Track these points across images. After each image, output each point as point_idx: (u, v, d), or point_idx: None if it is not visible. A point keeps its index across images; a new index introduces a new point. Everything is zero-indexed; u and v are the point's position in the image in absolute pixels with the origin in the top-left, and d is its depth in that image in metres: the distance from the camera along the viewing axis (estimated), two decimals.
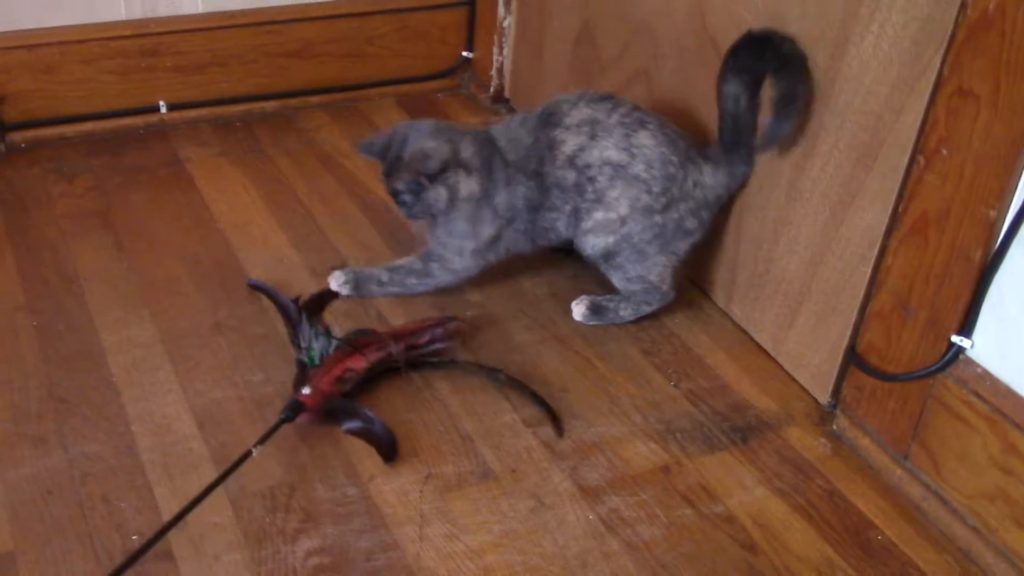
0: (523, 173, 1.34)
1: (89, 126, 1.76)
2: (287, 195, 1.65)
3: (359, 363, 1.25)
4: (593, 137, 1.32)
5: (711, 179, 1.34)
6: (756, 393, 1.33)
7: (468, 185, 1.32)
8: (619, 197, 1.32)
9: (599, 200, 1.33)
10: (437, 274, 1.40)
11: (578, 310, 1.42)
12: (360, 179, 1.71)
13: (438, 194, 1.31)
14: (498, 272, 1.44)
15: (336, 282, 1.40)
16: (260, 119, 1.86)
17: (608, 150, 1.31)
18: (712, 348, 1.41)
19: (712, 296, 1.50)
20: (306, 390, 1.20)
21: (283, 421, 1.17)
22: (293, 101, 1.90)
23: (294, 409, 1.18)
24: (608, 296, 1.43)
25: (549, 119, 1.34)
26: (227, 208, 1.61)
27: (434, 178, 1.30)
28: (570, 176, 1.33)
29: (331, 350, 1.25)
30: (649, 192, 1.32)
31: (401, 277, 1.41)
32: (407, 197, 1.32)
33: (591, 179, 1.33)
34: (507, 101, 1.97)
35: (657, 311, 1.44)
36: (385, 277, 1.41)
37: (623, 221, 1.34)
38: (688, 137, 1.36)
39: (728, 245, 1.44)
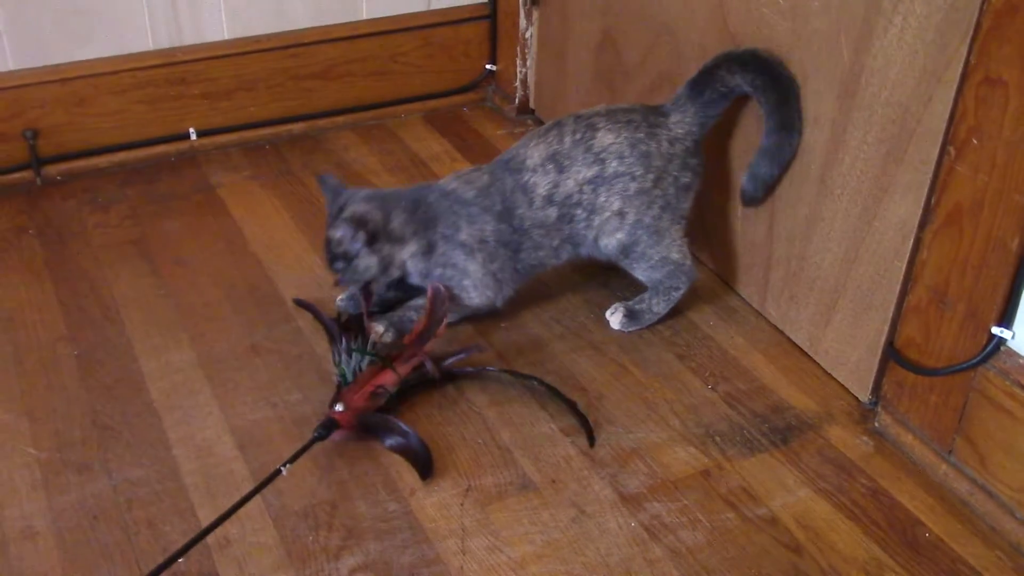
0: (486, 211, 1.33)
1: (122, 156, 1.78)
2: (318, 216, 1.66)
3: (391, 378, 1.25)
4: (561, 170, 1.33)
5: (683, 127, 1.35)
6: (795, 393, 1.32)
7: (406, 252, 1.32)
8: (608, 198, 1.33)
9: (592, 211, 1.34)
10: (464, 303, 1.38)
11: (615, 319, 1.42)
12: None
13: (368, 262, 1.30)
14: (529, 281, 1.44)
15: (380, 328, 1.38)
16: (289, 141, 1.87)
17: (580, 172, 1.32)
18: (748, 349, 1.40)
19: (746, 297, 1.49)
20: (339, 407, 1.20)
21: (315, 439, 1.18)
22: (320, 122, 1.91)
23: (327, 427, 1.19)
24: (638, 297, 1.43)
25: (508, 165, 1.35)
26: (260, 231, 1.62)
27: (369, 243, 1.29)
28: (552, 213, 1.34)
29: (363, 367, 1.26)
30: (634, 178, 1.33)
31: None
32: (339, 264, 1.31)
33: (576, 203, 1.33)
34: (532, 112, 1.97)
35: (691, 315, 1.44)
36: (415, 315, 1.39)
37: (622, 214, 1.34)
38: (639, 106, 1.37)
39: (760, 244, 1.43)
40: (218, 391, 1.29)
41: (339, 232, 1.29)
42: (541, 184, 1.33)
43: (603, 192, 1.33)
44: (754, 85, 1.32)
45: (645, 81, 1.59)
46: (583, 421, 1.25)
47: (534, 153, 1.34)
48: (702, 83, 1.35)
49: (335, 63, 1.88)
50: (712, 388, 1.33)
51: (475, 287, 1.35)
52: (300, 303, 1.43)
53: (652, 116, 1.36)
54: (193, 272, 1.52)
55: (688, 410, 1.29)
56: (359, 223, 1.28)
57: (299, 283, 1.50)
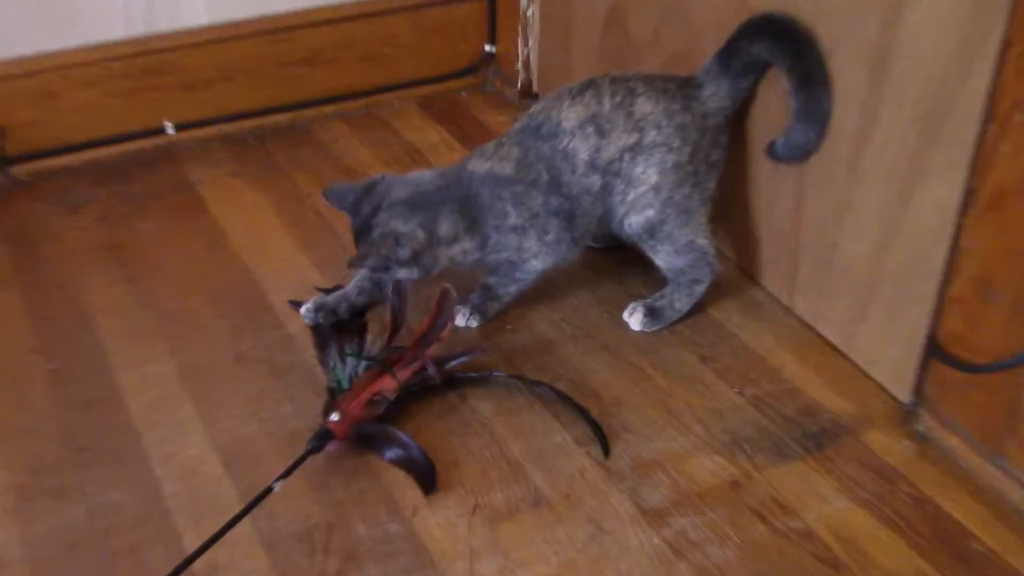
0: (532, 186, 1.34)
1: (94, 153, 1.77)
2: (307, 213, 1.65)
3: (390, 384, 1.24)
4: (602, 134, 1.33)
5: (716, 101, 1.36)
6: (829, 394, 1.32)
7: (456, 249, 1.33)
8: (645, 170, 1.34)
9: (629, 184, 1.35)
10: (530, 270, 1.39)
11: (635, 319, 1.41)
12: None
13: (410, 272, 1.32)
14: (541, 280, 1.43)
15: (463, 318, 1.40)
16: (273, 134, 1.87)
17: (621, 139, 1.33)
18: (776, 348, 1.39)
19: (772, 290, 1.48)
20: (334, 417, 1.20)
21: (309, 452, 1.17)
22: (307, 112, 1.90)
23: (321, 438, 1.18)
24: (658, 293, 1.42)
25: (539, 131, 1.35)
26: (243, 231, 1.61)
27: (404, 263, 1.31)
28: (596, 180, 1.34)
29: (360, 371, 1.25)
30: (671, 150, 1.33)
31: (504, 287, 1.41)
32: (372, 261, 1.32)
33: (616, 172, 1.34)
34: (536, 96, 1.96)
35: (713, 312, 1.43)
36: (500, 290, 1.41)
37: (657, 189, 1.34)
38: (673, 75, 1.38)
39: (787, 232, 1.42)
40: (202, 406, 1.29)
41: (368, 262, 1.30)
42: (582, 149, 1.33)
43: (640, 162, 1.33)
44: (770, 49, 1.32)
45: (657, 61, 1.58)
46: (598, 430, 1.25)
47: (570, 115, 1.34)
48: (730, 55, 1.35)
49: (322, 48, 1.87)
50: (738, 391, 1.32)
51: (535, 256, 1.37)
52: (295, 305, 1.42)
53: (687, 87, 1.36)
54: (172, 277, 1.52)
55: (713, 415, 1.28)
56: (388, 255, 1.29)
57: (287, 286, 1.48)
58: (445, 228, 1.32)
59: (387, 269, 1.32)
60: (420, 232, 1.31)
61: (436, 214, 1.32)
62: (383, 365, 1.25)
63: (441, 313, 1.30)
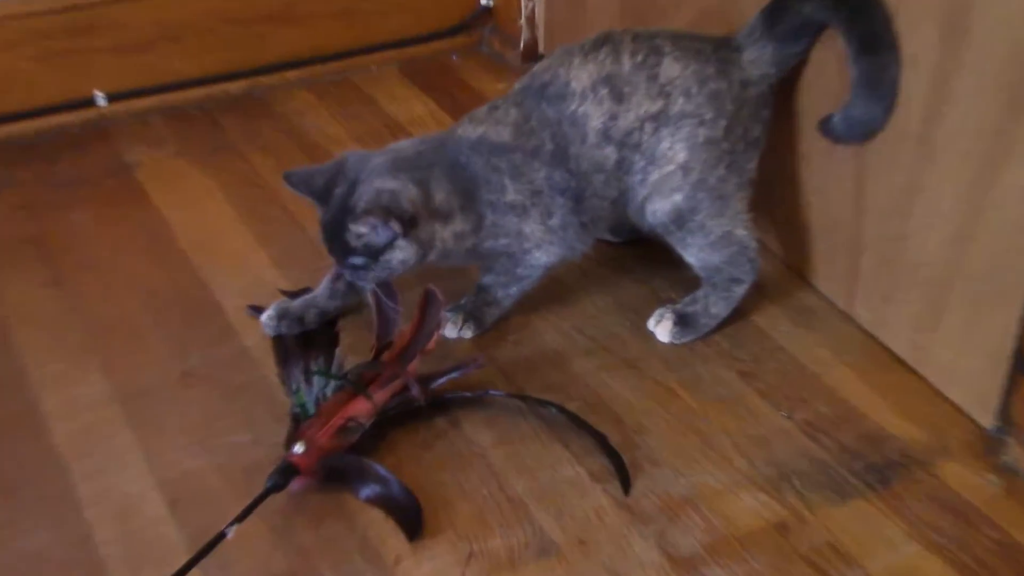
0: (533, 155, 1.34)
1: (11, 129, 1.78)
2: (267, 202, 1.66)
3: (365, 408, 1.25)
4: (620, 99, 1.33)
5: (758, 68, 1.37)
6: (896, 419, 1.32)
7: (450, 230, 1.33)
8: (672, 145, 1.34)
9: (652, 161, 1.35)
10: (532, 264, 1.40)
11: (663, 328, 1.42)
12: None
13: (406, 254, 1.30)
14: (545, 280, 1.44)
15: (454, 328, 1.41)
16: (226, 105, 1.87)
17: (643, 105, 1.33)
18: (832, 363, 1.39)
19: (827, 293, 1.49)
20: (298, 448, 1.19)
21: (270, 490, 1.17)
22: (267, 79, 1.91)
23: (283, 474, 1.18)
24: (690, 297, 1.43)
25: (543, 91, 1.35)
26: (191, 223, 1.62)
27: (406, 231, 1.29)
28: (610, 153, 1.35)
29: (329, 393, 1.25)
30: (703, 122, 1.34)
31: (503, 287, 1.42)
32: (358, 260, 1.30)
33: (636, 145, 1.34)
34: (543, 59, 1.95)
35: (756, 319, 1.43)
36: (499, 292, 1.42)
37: (686, 169, 1.35)
38: (707, 35, 1.39)
39: (845, 223, 1.42)
40: (141, 433, 1.29)
41: (362, 226, 1.27)
42: (594, 115, 1.34)
43: (666, 136, 1.34)
44: (825, 7, 1.32)
45: (683, 19, 1.59)
46: (617, 462, 1.25)
47: (581, 75, 1.34)
48: (776, 14, 1.36)
49: (286, 3, 1.88)
50: (787, 415, 1.32)
51: (538, 247, 1.38)
52: (253, 311, 1.42)
53: (723, 50, 1.37)
54: (106, 278, 1.52)
55: (756, 445, 1.28)
56: (389, 207, 1.27)
57: (243, 289, 1.49)
58: (440, 197, 1.31)
59: (380, 254, 1.29)
60: (414, 189, 1.30)
61: (427, 177, 1.31)
62: (357, 385, 1.25)
63: (426, 320, 1.30)
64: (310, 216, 1.59)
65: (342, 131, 1.81)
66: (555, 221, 1.37)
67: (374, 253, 1.29)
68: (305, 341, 1.35)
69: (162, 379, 1.36)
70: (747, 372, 1.38)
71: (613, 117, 1.34)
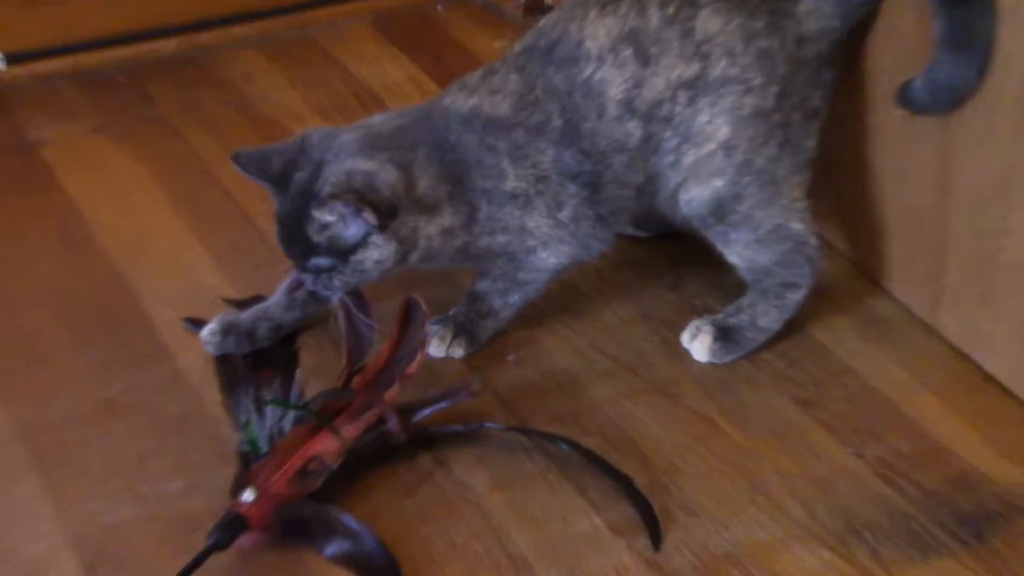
0: (537, 133, 1.35)
1: None
2: (206, 187, 1.66)
3: (331, 445, 1.24)
4: (645, 61, 1.33)
5: (817, 21, 1.36)
6: (992, 456, 1.31)
7: (436, 225, 1.33)
8: (712, 119, 1.34)
9: (685, 139, 1.35)
10: (539, 267, 1.40)
11: (701, 344, 1.42)
12: None
13: (382, 254, 1.30)
14: (553, 286, 1.44)
15: (441, 345, 1.42)
16: (156, 69, 1.88)
17: (675, 68, 1.33)
18: (912, 386, 1.39)
19: (905, 301, 1.49)
20: (247, 495, 1.18)
21: (211, 549, 1.16)
22: (206, 36, 1.92)
23: (229, 527, 1.17)
24: (733, 306, 1.43)
25: (551, 53, 1.36)
26: (113, 215, 1.62)
27: (383, 222, 1.29)
28: (634, 130, 1.35)
29: (287, 427, 1.25)
30: (750, 89, 1.34)
31: (502, 295, 1.43)
32: (323, 261, 1.30)
33: (667, 119, 1.34)
34: (550, 11, 1.96)
35: (816, 332, 1.44)
36: (496, 301, 1.43)
37: (729, 148, 1.35)
38: None
39: (926, 214, 1.42)
40: (52, 478, 1.28)
41: (328, 213, 1.27)
42: (614, 82, 1.34)
43: (704, 107, 1.34)
44: None
45: None
46: (645, 510, 1.24)
47: (598, 31, 1.35)
48: None
49: None
50: (856, 452, 1.32)
51: (544, 245, 1.39)
52: (192, 325, 1.42)
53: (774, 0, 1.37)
54: (7, 285, 1.52)
55: (817, 489, 1.27)
56: (362, 192, 1.27)
57: (178, 297, 1.49)
58: (424, 183, 1.32)
59: (350, 253, 1.30)
60: (394, 172, 1.30)
61: (408, 159, 1.32)
62: (320, 417, 1.25)
63: (406, 337, 1.30)
64: (263, 207, 1.59)
65: (300, 102, 1.82)
66: (565, 214, 1.37)
67: (343, 252, 1.29)
68: (256, 362, 1.35)
69: (77, 410, 1.35)
70: (806, 399, 1.38)
71: (638, 84, 1.34)
